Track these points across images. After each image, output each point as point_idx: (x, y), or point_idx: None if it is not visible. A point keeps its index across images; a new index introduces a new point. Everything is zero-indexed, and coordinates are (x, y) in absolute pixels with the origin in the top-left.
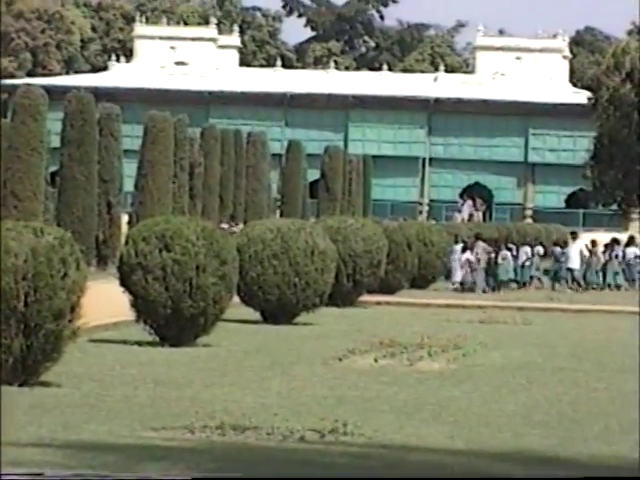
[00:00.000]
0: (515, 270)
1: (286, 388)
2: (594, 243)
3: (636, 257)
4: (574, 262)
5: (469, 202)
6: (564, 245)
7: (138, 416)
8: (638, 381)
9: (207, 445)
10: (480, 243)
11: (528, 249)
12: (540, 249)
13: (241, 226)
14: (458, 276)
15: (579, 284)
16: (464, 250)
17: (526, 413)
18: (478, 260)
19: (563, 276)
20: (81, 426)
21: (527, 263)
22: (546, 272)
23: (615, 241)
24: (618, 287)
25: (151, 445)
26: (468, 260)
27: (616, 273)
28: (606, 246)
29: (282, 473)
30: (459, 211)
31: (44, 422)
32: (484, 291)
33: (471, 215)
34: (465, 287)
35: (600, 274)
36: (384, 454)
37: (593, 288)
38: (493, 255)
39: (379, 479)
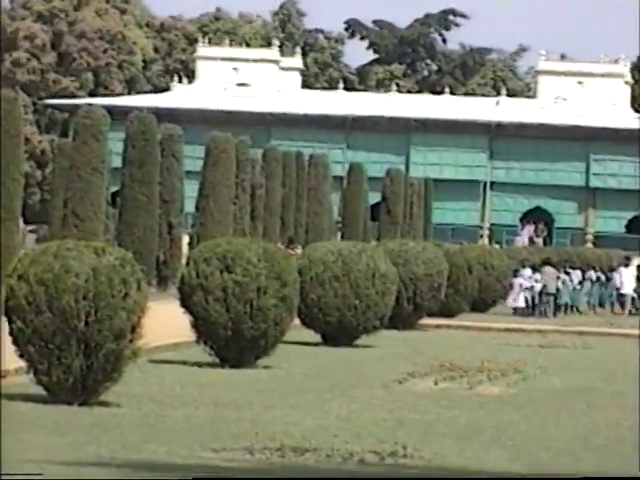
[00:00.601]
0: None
1: (346, 410)
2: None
3: None
4: (627, 287)
5: (530, 227)
6: (614, 270)
7: (198, 437)
8: None
9: (267, 466)
10: (548, 268)
11: (579, 273)
12: (592, 274)
13: (299, 249)
14: (521, 300)
15: (636, 308)
16: (534, 273)
17: (585, 437)
18: (544, 285)
19: (612, 300)
20: (141, 446)
21: (578, 287)
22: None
23: None
24: None
25: (211, 466)
26: (522, 284)
27: None
28: None
29: None
30: (519, 235)
31: (104, 441)
32: (554, 315)
33: (531, 239)
34: (520, 311)
35: None
36: (443, 477)
37: None
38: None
39: None
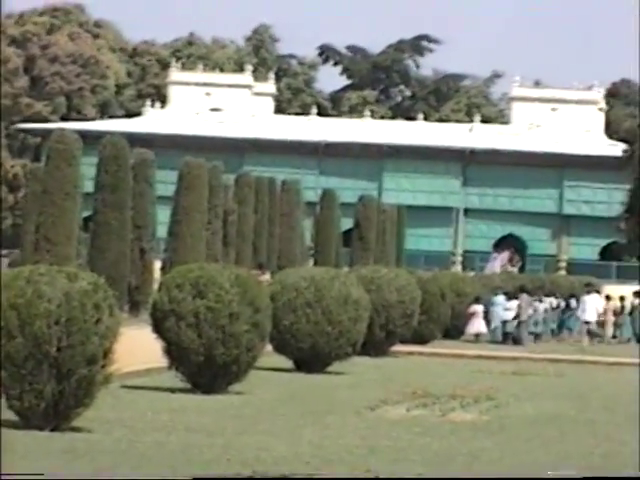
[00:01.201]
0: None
1: (318, 437)
2: (608, 298)
3: None
4: (589, 314)
5: (504, 255)
6: (576, 297)
7: (170, 462)
8: None
9: None
10: (524, 295)
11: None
12: (554, 301)
13: (268, 275)
14: (482, 327)
15: (594, 336)
16: (509, 300)
17: (558, 466)
18: (518, 314)
19: (574, 328)
20: (112, 472)
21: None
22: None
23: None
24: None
25: None
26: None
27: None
28: (621, 299)
29: None
30: (489, 262)
31: (75, 467)
32: (534, 342)
33: (503, 267)
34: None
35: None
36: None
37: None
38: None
39: None
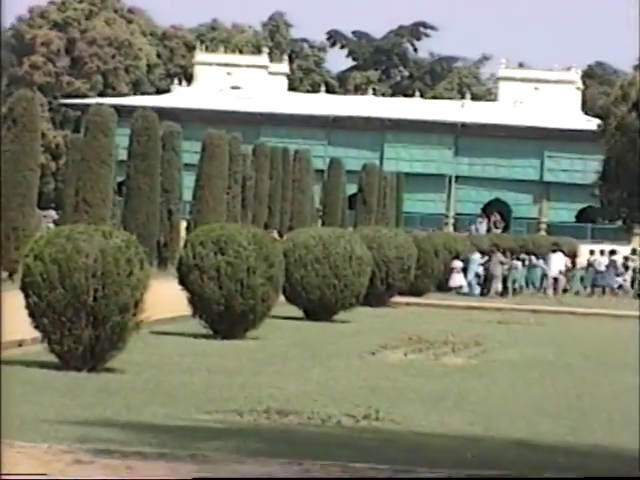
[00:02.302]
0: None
1: (325, 378)
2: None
3: (607, 266)
4: (554, 270)
5: (487, 220)
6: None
7: (193, 400)
8: (638, 378)
9: (254, 427)
10: (498, 254)
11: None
12: (533, 259)
13: (275, 234)
14: (459, 280)
15: (558, 290)
16: (483, 258)
17: (538, 404)
18: (488, 269)
19: (537, 282)
20: (142, 408)
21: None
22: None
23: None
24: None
25: (204, 427)
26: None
27: (581, 279)
28: (611, 253)
29: (320, 454)
30: (476, 229)
31: (109, 404)
32: (501, 295)
33: (489, 229)
34: (458, 290)
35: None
36: (411, 438)
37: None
38: (507, 265)
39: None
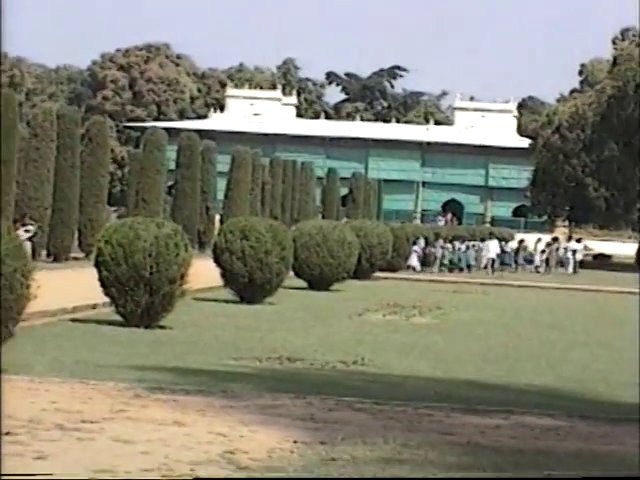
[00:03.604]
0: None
1: (323, 333)
2: (506, 240)
3: (541, 251)
4: (491, 253)
5: (447, 217)
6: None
7: (223, 350)
8: (558, 334)
9: (270, 370)
10: (440, 240)
11: (463, 244)
12: (477, 244)
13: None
14: (414, 261)
15: (494, 269)
16: (450, 243)
17: (484, 353)
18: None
19: (473, 263)
20: (185, 356)
21: (464, 252)
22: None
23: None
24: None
25: (232, 370)
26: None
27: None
28: (520, 242)
29: (319, 390)
30: (439, 220)
31: (160, 353)
32: (441, 271)
33: (446, 222)
34: (412, 268)
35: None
36: (388, 379)
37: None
38: (450, 248)
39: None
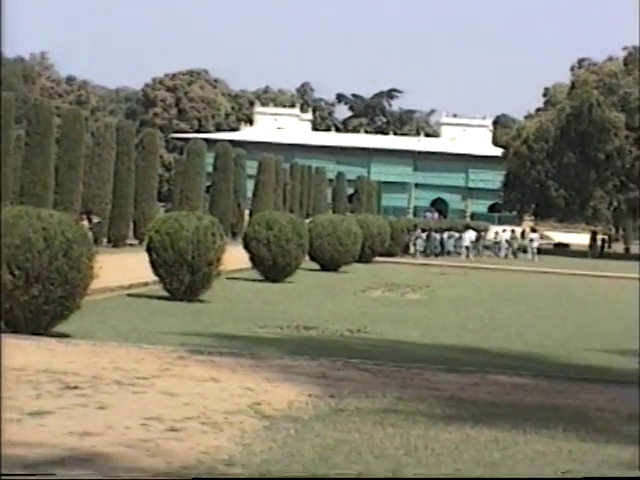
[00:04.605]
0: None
1: (333, 306)
2: (478, 230)
3: (507, 240)
4: (466, 242)
5: (433, 214)
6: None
7: (252, 320)
8: (524, 308)
9: (289, 337)
10: (418, 231)
11: (446, 234)
12: (455, 234)
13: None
14: (412, 249)
15: (469, 254)
16: (423, 232)
17: (463, 324)
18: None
19: (457, 252)
20: (220, 325)
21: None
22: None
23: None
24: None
25: (258, 336)
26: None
27: (486, 247)
28: (496, 233)
29: (330, 353)
30: (427, 215)
31: (200, 322)
32: (435, 255)
33: (432, 218)
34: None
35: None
36: (386, 344)
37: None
38: (438, 237)
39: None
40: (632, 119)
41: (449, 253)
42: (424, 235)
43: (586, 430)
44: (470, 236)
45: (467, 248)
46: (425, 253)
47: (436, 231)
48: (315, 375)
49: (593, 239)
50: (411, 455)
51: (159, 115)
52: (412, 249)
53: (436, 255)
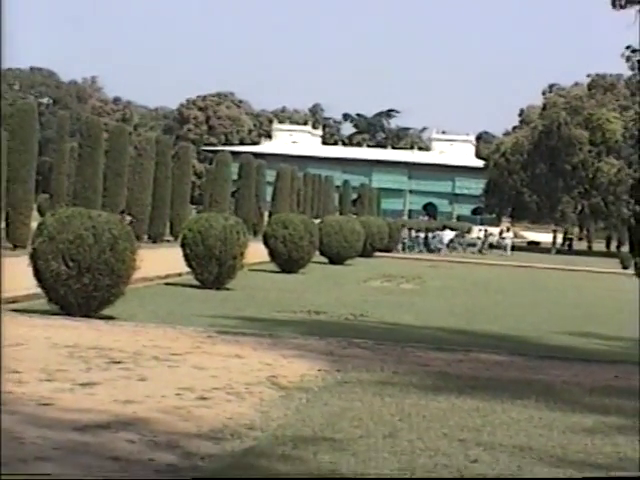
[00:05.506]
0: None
1: (339, 294)
2: (461, 230)
3: (479, 237)
4: (445, 240)
5: (424, 218)
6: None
7: (270, 305)
8: (502, 296)
9: (302, 320)
10: (405, 229)
11: (431, 234)
12: (439, 233)
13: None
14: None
15: (449, 249)
16: (410, 231)
17: (450, 309)
18: (417, 237)
19: (437, 248)
20: (243, 309)
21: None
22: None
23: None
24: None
25: (276, 319)
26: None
27: (469, 245)
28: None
29: (336, 334)
30: (421, 218)
31: (226, 307)
32: (421, 251)
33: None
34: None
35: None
36: (385, 327)
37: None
38: (423, 235)
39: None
40: (594, 136)
41: (432, 251)
42: (413, 233)
43: (554, 401)
44: (448, 235)
45: (447, 245)
46: (411, 249)
47: (418, 230)
48: (324, 352)
49: (554, 238)
50: (405, 421)
51: (192, 131)
52: (399, 246)
53: (420, 251)
